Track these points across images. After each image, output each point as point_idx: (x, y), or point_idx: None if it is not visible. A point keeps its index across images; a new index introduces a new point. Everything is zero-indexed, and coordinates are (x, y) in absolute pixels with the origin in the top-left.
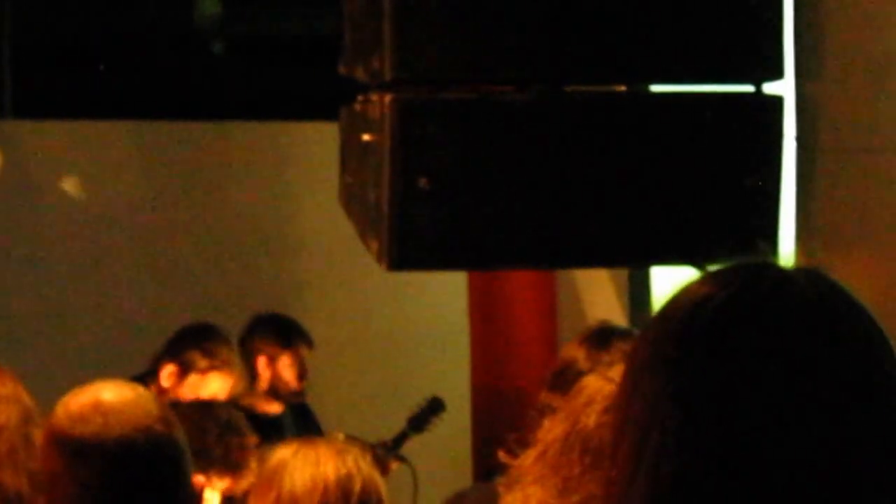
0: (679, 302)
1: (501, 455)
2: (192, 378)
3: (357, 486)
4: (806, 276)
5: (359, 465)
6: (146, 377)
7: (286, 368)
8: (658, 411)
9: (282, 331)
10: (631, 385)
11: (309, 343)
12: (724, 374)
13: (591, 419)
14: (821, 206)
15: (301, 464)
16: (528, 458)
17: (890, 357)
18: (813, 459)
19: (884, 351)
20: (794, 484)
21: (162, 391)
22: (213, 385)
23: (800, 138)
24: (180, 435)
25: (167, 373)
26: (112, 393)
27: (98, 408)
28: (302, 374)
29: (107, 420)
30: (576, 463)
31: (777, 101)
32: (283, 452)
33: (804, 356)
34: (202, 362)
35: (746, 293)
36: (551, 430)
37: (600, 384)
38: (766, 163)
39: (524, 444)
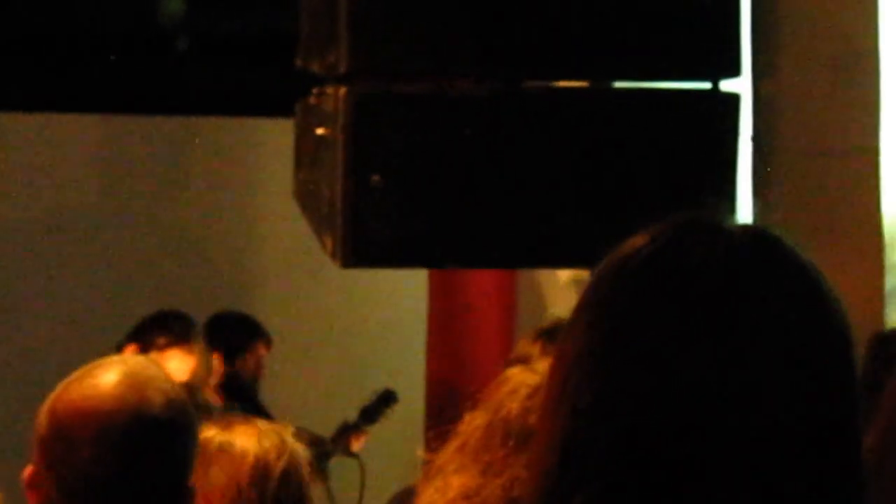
0: (612, 255)
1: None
2: (152, 356)
3: (275, 474)
4: (743, 230)
5: (279, 452)
6: None
7: (247, 364)
8: (581, 361)
9: (243, 329)
10: (565, 332)
11: (267, 341)
12: (646, 323)
13: (513, 406)
14: (776, 206)
15: (218, 456)
16: (447, 450)
17: (828, 317)
18: (732, 416)
19: (822, 309)
20: (710, 444)
21: None
22: (173, 363)
23: (756, 139)
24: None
25: (129, 353)
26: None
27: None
28: (259, 370)
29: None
30: (498, 448)
31: (734, 99)
32: (203, 434)
33: (728, 309)
34: (161, 339)
35: (674, 244)
36: (472, 422)
37: (524, 375)
38: (722, 161)
39: (444, 439)
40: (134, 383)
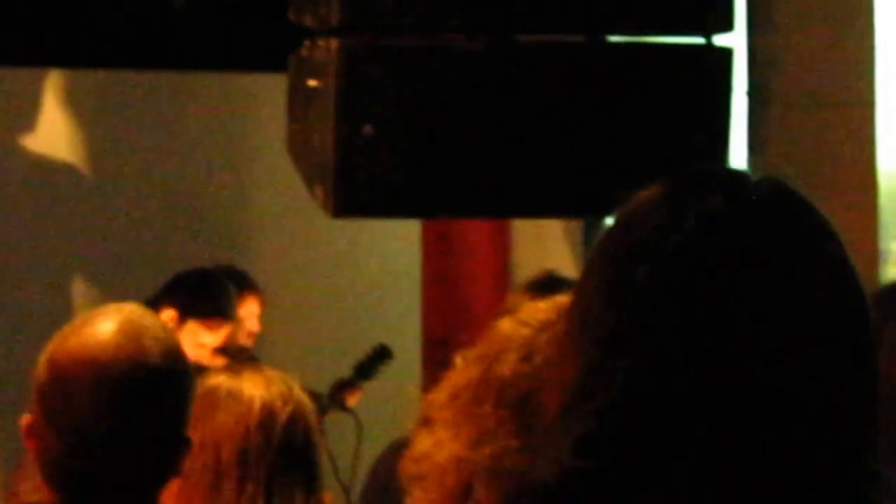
0: (632, 209)
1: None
2: (191, 325)
3: (282, 419)
4: (763, 182)
5: (285, 398)
6: None
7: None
8: (597, 316)
9: (235, 281)
10: (577, 290)
11: (258, 293)
12: (674, 283)
13: (506, 368)
14: (772, 160)
15: (225, 400)
16: (441, 396)
17: (847, 270)
18: (751, 362)
19: (842, 262)
20: (728, 391)
21: None
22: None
23: (751, 92)
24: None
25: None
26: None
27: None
28: (251, 332)
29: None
30: (490, 414)
31: (727, 53)
32: (207, 384)
33: (753, 258)
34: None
35: (693, 197)
36: (464, 372)
37: (514, 328)
38: (716, 115)
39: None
40: (131, 332)
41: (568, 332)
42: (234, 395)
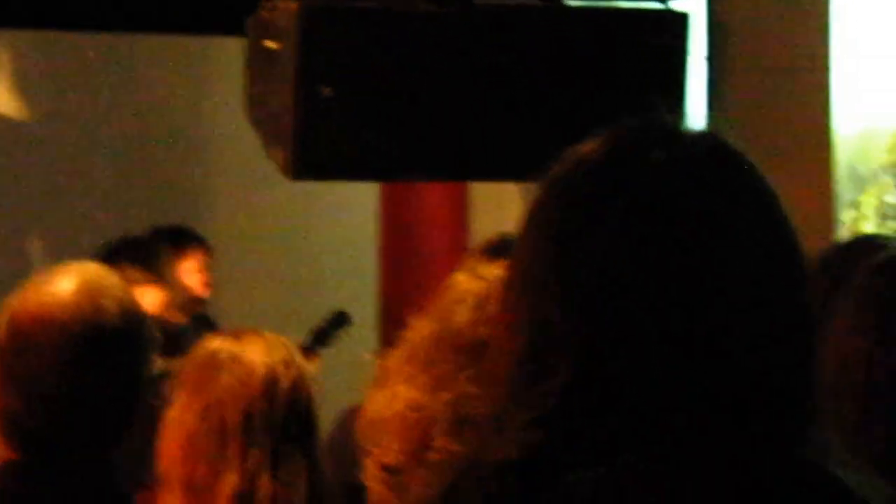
0: (568, 161)
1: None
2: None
3: (284, 389)
4: (698, 136)
5: (286, 364)
6: None
7: (188, 274)
8: (541, 265)
9: (174, 237)
10: (518, 243)
11: (206, 247)
12: (602, 229)
13: (462, 317)
14: (732, 124)
15: (229, 364)
16: (396, 358)
17: (780, 224)
18: (693, 326)
19: (774, 217)
20: (667, 344)
21: None
22: (147, 297)
23: (711, 57)
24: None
25: None
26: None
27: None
28: (205, 281)
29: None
30: (448, 361)
31: (683, 17)
32: (209, 348)
33: (689, 216)
34: (134, 273)
35: (631, 149)
36: (419, 329)
37: (470, 282)
38: (673, 79)
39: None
40: (90, 291)
41: (511, 290)
42: (236, 359)
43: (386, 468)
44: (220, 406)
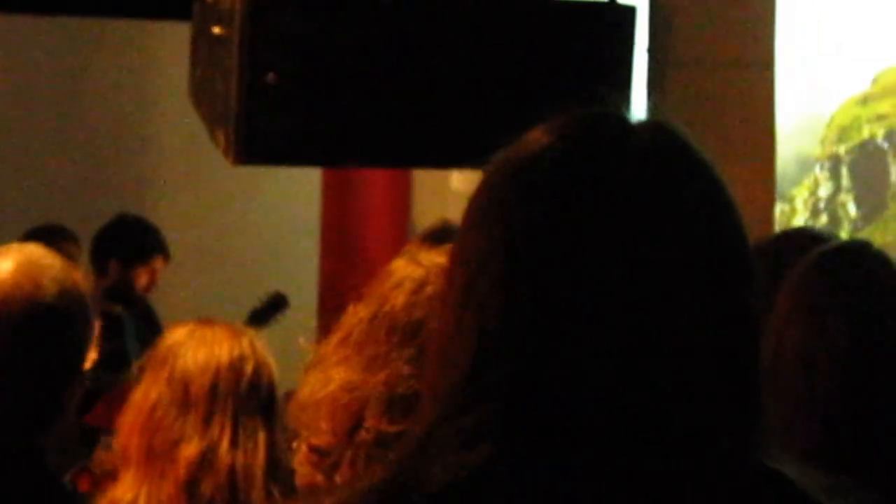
0: (518, 151)
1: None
2: None
3: (249, 368)
4: (650, 128)
5: (252, 348)
6: None
7: (140, 277)
8: (488, 260)
9: (143, 242)
10: (464, 234)
11: (166, 256)
12: (556, 224)
13: (398, 300)
14: (672, 117)
15: (196, 343)
16: (331, 342)
17: (730, 217)
18: (644, 314)
19: (725, 209)
20: (617, 340)
21: None
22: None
23: (652, 50)
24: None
25: None
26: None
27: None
28: (151, 285)
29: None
30: (382, 341)
31: (629, 11)
32: (178, 332)
33: (641, 209)
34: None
35: (585, 144)
36: (356, 314)
37: (409, 268)
38: (618, 73)
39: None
40: (29, 271)
41: (453, 293)
42: (204, 340)
43: (315, 449)
44: (185, 376)
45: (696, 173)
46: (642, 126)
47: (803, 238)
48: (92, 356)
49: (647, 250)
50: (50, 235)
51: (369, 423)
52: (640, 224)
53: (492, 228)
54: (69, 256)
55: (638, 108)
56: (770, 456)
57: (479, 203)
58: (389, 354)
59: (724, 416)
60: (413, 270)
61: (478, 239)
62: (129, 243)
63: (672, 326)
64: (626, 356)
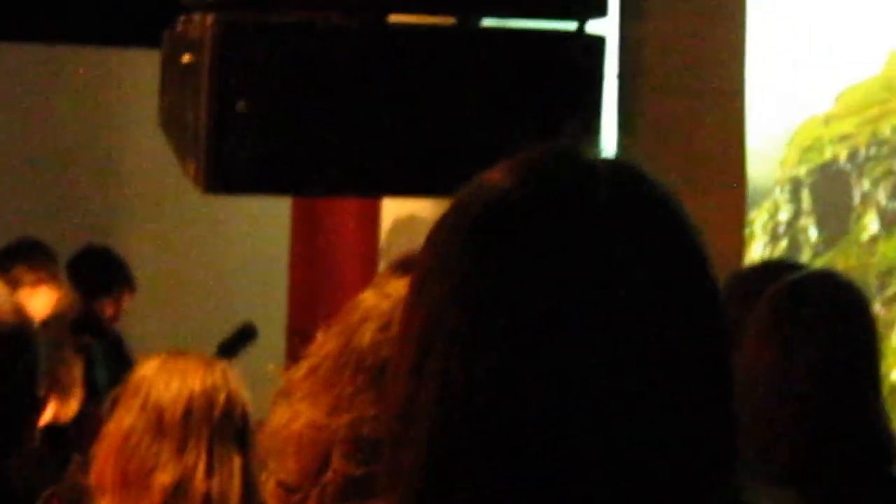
0: (473, 197)
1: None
2: (22, 294)
3: (222, 397)
4: (613, 170)
5: (225, 378)
6: None
7: (105, 308)
8: (443, 319)
9: (110, 274)
10: (416, 290)
11: (132, 289)
12: (514, 277)
13: (365, 337)
14: (643, 147)
15: (169, 373)
16: (300, 371)
17: (697, 259)
18: (612, 366)
19: (692, 254)
20: (589, 394)
21: None
22: (41, 299)
23: (622, 77)
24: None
25: None
26: None
27: None
28: (116, 317)
29: None
30: (348, 382)
31: (599, 41)
32: (151, 363)
33: (604, 259)
34: (29, 276)
35: (544, 190)
36: (324, 345)
37: (376, 300)
38: (587, 102)
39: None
40: None
41: (410, 340)
42: (176, 370)
43: (282, 485)
44: (159, 404)
45: (660, 218)
46: (605, 167)
47: (779, 269)
48: (78, 394)
49: (611, 303)
50: (28, 251)
51: (335, 465)
52: (603, 275)
53: (445, 288)
54: (49, 274)
55: (608, 136)
56: (741, 486)
57: (430, 258)
58: (355, 397)
59: (702, 471)
60: (382, 303)
61: (431, 300)
62: (96, 275)
63: (645, 382)
64: (596, 416)
